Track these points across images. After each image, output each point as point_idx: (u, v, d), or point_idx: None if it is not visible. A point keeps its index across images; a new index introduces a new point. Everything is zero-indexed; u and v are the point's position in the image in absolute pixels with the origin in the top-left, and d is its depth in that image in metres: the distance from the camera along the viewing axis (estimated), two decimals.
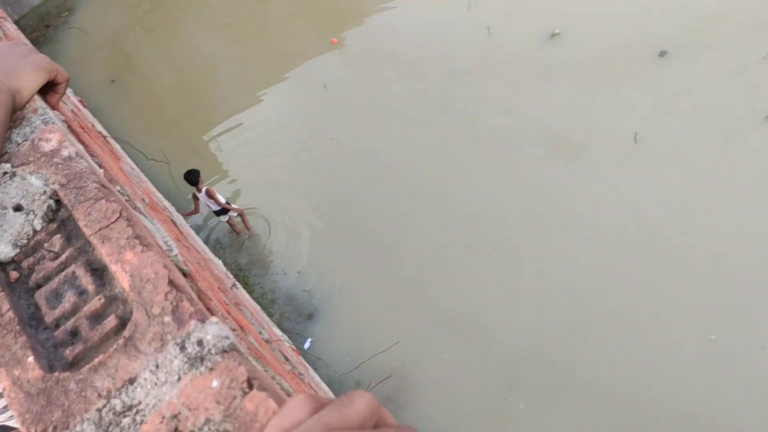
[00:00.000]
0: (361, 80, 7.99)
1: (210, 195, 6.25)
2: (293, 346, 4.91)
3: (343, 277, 6.15)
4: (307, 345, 5.75)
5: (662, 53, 6.90)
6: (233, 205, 6.53)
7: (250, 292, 6.12)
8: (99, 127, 4.12)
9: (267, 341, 2.25)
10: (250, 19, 9.77)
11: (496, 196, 6.29)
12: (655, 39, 7.05)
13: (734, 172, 5.76)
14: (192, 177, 6.16)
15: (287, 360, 2.58)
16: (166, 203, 4.66)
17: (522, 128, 6.70)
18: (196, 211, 6.50)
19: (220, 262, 4.85)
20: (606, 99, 6.71)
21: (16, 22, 10.87)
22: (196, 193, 6.32)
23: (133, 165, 5.19)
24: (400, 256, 6.11)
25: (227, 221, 6.75)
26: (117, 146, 5.35)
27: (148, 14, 10.45)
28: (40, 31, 10.84)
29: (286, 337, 5.07)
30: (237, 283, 4.49)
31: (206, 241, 6.84)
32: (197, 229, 7.00)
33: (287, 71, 8.46)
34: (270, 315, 5.89)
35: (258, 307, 4.88)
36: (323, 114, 7.68)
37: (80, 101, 5.90)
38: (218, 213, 6.56)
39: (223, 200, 6.35)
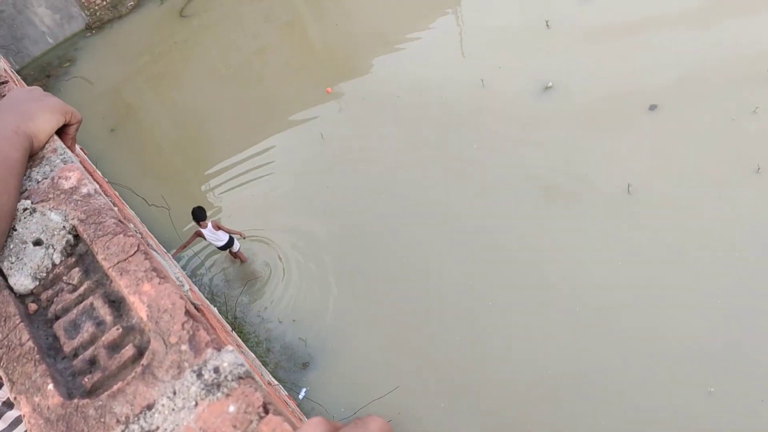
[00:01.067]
0: (356, 130, 8.12)
1: (217, 227, 6.46)
2: (289, 396, 4.86)
3: (339, 325, 6.13)
4: (302, 395, 5.68)
5: (652, 107, 7.05)
6: (235, 230, 6.73)
7: (245, 341, 6.07)
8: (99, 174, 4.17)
9: (269, 384, 2.24)
10: (248, 70, 9.97)
11: (489, 245, 6.32)
12: (645, 93, 7.22)
13: (728, 224, 5.82)
14: (200, 213, 6.35)
15: (287, 404, 2.56)
16: (164, 249, 4.67)
17: (514, 179, 6.79)
18: (187, 244, 6.63)
19: (215, 310, 4.83)
20: (598, 151, 6.83)
21: (18, 72, 11.06)
22: (201, 229, 6.46)
23: (133, 213, 5.22)
24: (396, 303, 6.10)
25: (229, 253, 6.94)
26: (116, 193, 5.39)
27: (149, 65, 10.66)
28: (41, 81, 11.02)
29: (281, 386, 5.02)
30: (233, 331, 4.47)
31: (200, 289, 6.83)
32: (190, 277, 6.99)
33: (285, 121, 8.59)
34: (265, 364, 5.83)
35: (253, 356, 4.84)
36: (320, 162, 7.77)
37: (81, 149, 5.98)
38: (223, 248, 6.74)
39: (227, 228, 6.59)
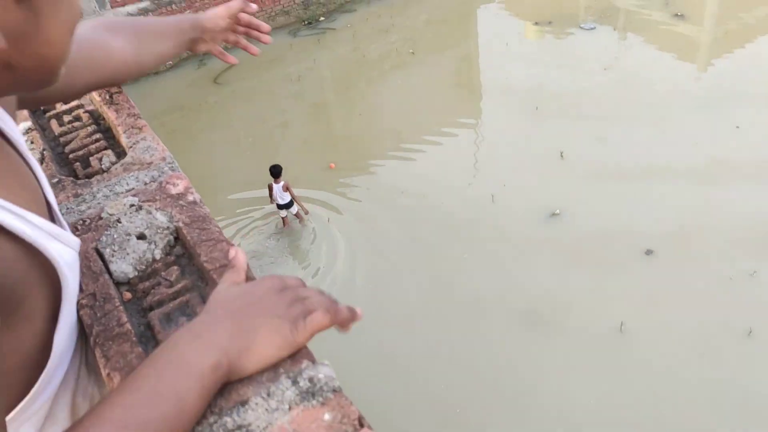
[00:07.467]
0: (356, 218, 8.22)
1: (286, 188, 7.52)
2: None
3: None
4: None
5: (648, 252, 7.19)
6: (302, 204, 7.86)
7: None
8: None
9: None
10: (268, 141, 10.24)
11: (468, 356, 6.24)
12: (642, 237, 7.35)
13: (714, 384, 5.78)
14: (277, 170, 7.46)
15: None
16: None
17: (503, 300, 6.77)
18: (272, 200, 7.72)
19: None
20: (589, 285, 6.88)
21: None
22: (273, 184, 7.50)
23: None
24: (373, 401, 5.97)
25: (283, 217, 7.86)
26: None
27: (173, 121, 10.93)
28: None
29: None
30: None
31: None
32: None
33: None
34: None
35: None
36: (322, 244, 7.83)
37: None
38: (282, 207, 7.70)
39: (294, 194, 7.62)
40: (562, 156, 8.74)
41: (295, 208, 7.88)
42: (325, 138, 10.28)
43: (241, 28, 1.44)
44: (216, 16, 1.38)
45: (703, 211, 7.58)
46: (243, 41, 1.47)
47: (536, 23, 12.43)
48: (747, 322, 6.15)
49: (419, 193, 8.47)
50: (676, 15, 12.04)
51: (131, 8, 11.12)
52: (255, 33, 1.45)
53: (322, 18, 13.24)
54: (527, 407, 5.77)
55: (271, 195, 7.74)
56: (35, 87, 0.69)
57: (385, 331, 6.63)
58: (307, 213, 7.99)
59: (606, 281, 6.94)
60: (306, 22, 13.07)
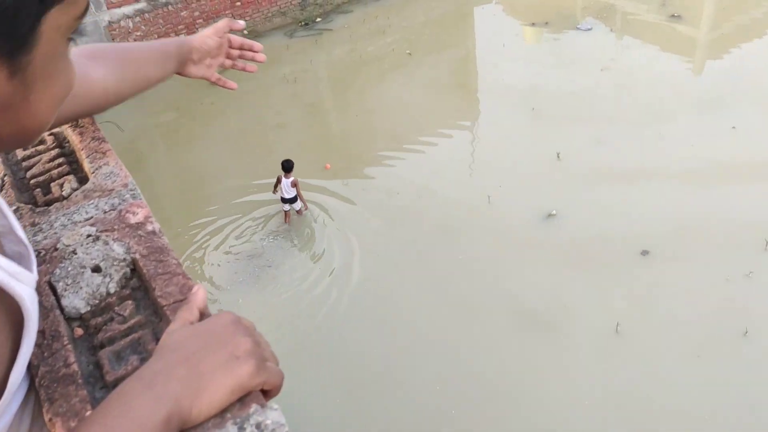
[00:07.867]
0: (351, 218, 8.22)
1: (294, 184, 7.72)
2: None
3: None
4: None
5: (644, 252, 7.18)
6: (305, 200, 8.06)
7: None
8: None
9: None
10: (263, 142, 10.23)
11: (461, 357, 6.22)
12: (639, 238, 7.34)
13: (710, 385, 5.76)
14: (289, 164, 7.70)
15: None
16: None
17: (499, 301, 6.76)
18: (275, 191, 7.99)
19: None
20: (586, 286, 6.87)
21: None
22: (283, 177, 7.71)
23: None
24: (361, 414, 5.96)
25: (286, 211, 8.02)
26: None
27: (169, 121, 10.91)
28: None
29: None
30: None
31: None
32: None
33: None
34: None
35: None
36: (318, 245, 7.82)
37: None
38: (286, 201, 7.89)
39: (300, 191, 7.84)
40: (558, 157, 8.73)
41: (298, 205, 8.03)
42: (321, 139, 10.27)
43: (235, 52, 1.49)
44: (203, 35, 1.42)
45: (698, 212, 7.56)
46: (239, 63, 1.53)
47: (533, 24, 12.42)
48: (743, 323, 6.13)
49: (415, 194, 8.46)
50: (673, 16, 12.03)
51: (127, 9, 11.08)
52: (249, 54, 1.52)
53: (318, 19, 13.23)
54: (523, 408, 5.76)
55: (276, 186, 7.94)
56: (8, 150, 0.68)
57: (382, 331, 6.61)
58: (306, 209, 8.17)
59: (602, 282, 6.93)
60: (303, 23, 13.05)
